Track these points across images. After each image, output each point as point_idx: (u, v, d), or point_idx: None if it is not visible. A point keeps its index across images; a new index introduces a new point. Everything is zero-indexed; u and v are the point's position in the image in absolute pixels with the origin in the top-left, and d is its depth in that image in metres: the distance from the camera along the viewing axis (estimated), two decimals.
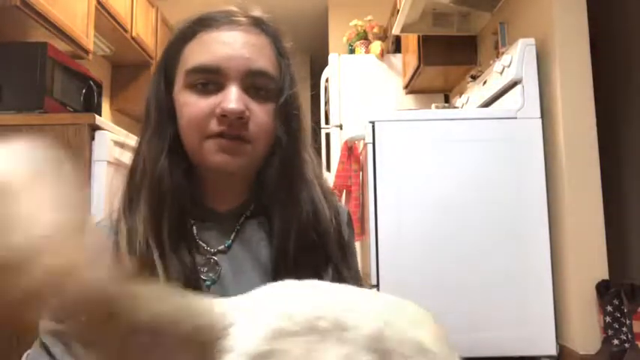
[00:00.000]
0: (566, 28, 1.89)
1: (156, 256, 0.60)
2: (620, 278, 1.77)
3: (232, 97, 0.61)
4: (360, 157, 2.50)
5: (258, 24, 0.67)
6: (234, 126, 0.61)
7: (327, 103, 3.67)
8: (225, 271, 0.65)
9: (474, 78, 2.58)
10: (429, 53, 2.89)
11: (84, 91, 2.37)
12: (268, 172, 0.66)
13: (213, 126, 0.62)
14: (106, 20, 2.88)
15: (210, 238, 0.66)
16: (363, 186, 2.37)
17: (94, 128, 2.00)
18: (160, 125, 0.66)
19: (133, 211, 0.64)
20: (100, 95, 2.52)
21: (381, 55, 3.56)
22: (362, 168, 2.44)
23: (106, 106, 3.58)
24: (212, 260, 0.65)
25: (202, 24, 0.65)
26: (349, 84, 3.52)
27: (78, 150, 1.93)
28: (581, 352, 1.74)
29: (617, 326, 1.67)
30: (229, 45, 0.63)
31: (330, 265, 0.66)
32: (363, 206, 2.37)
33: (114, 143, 2.07)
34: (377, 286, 1.88)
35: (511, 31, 2.29)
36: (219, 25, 0.64)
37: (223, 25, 0.64)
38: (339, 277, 0.65)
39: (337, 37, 4.20)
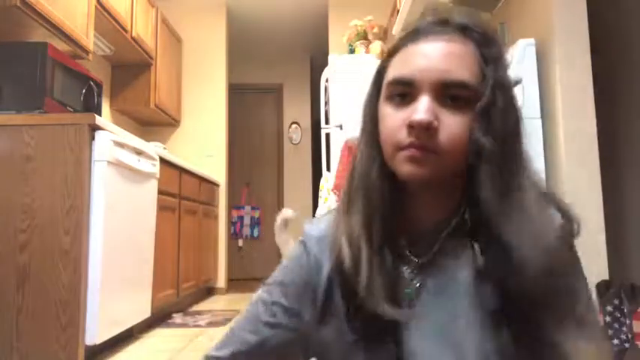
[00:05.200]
0: (566, 28, 1.89)
1: (364, 258, 0.64)
2: (620, 278, 1.77)
3: (421, 108, 0.61)
4: None
5: (463, 31, 0.66)
6: (420, 136, 0.61)
7: (327, 103, 3.66)
8: (425, 283, 0.66)
9: None
10: None
11: (84, 91, 2.37)
12: (477, 184, 0.62)
13: (404, 137, 0.62)
14: (106, 20, 2.88)
15: (414, 250, 0.68)
16: None
17: (94, 128, 2.00)
18: (373, 135, 0.68)
19: (351, 212, 0.68)
20: (100, 95, 2.53)
21: (381, 55, 3.55)
22: None
23: (106, 106, 3.58)
24: (414, 271, 0.67)
25: (408, 37, 0.67)
26: (349, 84, 3.51)
27: (78, 150, 1.93)
28: None
29: (617, 326, 1.67)
30: (427, 57, 0.63)
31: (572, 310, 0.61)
32: None
33: (114, 143, 2.07)
34: None
35: (511, 31, 2.29)
36: (422, 37, 0.65)
37: (426, 36, 0.65)
38: (577, 329, 0.60)
39: (337, 37, 4.20)
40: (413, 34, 0.66)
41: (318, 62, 5.21)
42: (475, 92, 0.63)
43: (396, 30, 2.77)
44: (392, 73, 0.66)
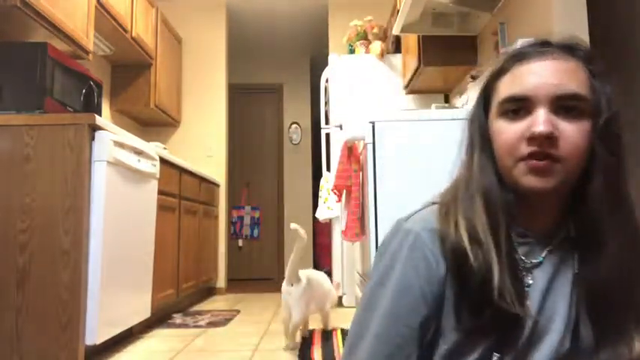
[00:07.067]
0: (566, 28, 1.89)
1: (493, 254, 0.67)
2: None
3: (540, 120, 0.65)
4: (360, 157, 2.50)
5: (567, 50, 0.70)
6: (543, 145, 0.65)
7: (327, 103, 3.67)
8: (535, 283, 0.71)
9: (473, 78, 2.58)
10: (429, 53, 2.88)
11: (84, 91, 2.37)
12: (590, 193, 0.67)
13: (524, 149, 0.66)
14: (106, 20, 2.88)
15: (525, 252, 0.72)
16: (363, 186, 2.37)
17: (94, 128, 2.00)
18: (485, 149, 0.73)
19: (468, 211, 0.71)
20: (100, 95, 2.53)
21: (381, 55, 3.56)
22: (362, 168, 2.44)
23: (106, 106, 3.58)
24: (525, 272, 0.71)
25: (514, 60, 0.71)
26: (349, 84, 3.52)
27: (78, 150, 1.93)
28: None
29: None
30: (538, 74, 0.67)
31: None
32: (363, 206, 2.37)
33: (114, 143, 2.07)
34: None
35: (511, 31, 2.29)
36: (529, 58, 0.69)
37: (533, 57, 0.69)
38: None
39: (337, 37, 4.20)
40: (518, 56, 0.71)
41: (318, 62, 5.20)
42: (589, 104, 0.67)
43: (396, 30, 2.76)
44: (504, 93, 0.70)
